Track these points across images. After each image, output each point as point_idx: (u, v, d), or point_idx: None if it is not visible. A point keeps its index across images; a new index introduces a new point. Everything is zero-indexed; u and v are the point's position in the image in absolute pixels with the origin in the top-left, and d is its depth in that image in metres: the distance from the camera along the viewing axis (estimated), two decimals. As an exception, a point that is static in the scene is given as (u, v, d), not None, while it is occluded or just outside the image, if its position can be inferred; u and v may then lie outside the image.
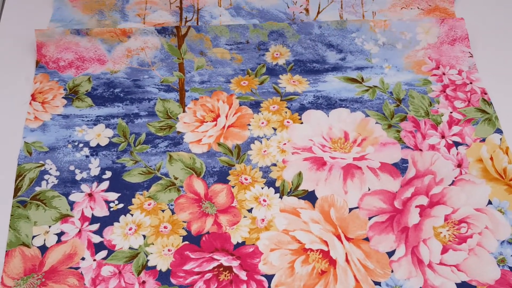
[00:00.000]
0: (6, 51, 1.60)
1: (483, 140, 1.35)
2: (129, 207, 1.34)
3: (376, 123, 1.41)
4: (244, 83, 1.54)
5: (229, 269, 1.22)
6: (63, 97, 1.51)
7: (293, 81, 1.53)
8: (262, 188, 1.38)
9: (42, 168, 1.39)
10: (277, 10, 1.74)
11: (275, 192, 1.37)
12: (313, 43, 1.62)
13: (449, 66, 1.51)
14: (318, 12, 1.74)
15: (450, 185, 1.29)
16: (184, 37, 1.63)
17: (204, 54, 1.60)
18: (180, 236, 1.29)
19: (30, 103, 1.48)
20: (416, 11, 1.73)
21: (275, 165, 1.41)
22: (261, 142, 1.45)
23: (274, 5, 1.75)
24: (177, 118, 1.46)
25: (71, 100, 1.51)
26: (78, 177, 1.38)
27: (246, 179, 1.39)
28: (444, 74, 1.48)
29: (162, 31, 1.63)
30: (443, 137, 1.39)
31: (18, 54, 1.60)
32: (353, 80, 1.52)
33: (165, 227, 1.32)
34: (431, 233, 1.22)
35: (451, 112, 1.42)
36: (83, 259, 1.25)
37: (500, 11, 1.72)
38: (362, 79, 1.51)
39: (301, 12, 1.74)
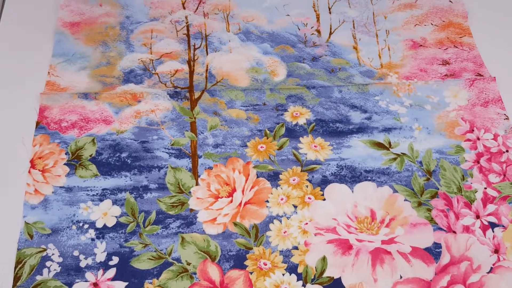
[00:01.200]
0: (5, 111, 1.49)
1: (520, 221, 1.23)
2: (137, 299, 1.17)
3: (405, 200, 1.32)
4: (261, 147, 1.42)
5: None
6: (65, 164, 1.39)
7: (315, 146, 1.41)
8: (283, 274, 1.27)
9: (44, 254, 1.27)
10: (288, 32, 1.68)
11: (298, 279, 1.26)
12: (335, 105, 1.50)
13: (484, 129, 1.42)
14: (330, 33, 1.68)
15: (488, 272, 1.21)
16: (197, 101, 1.52)
17: (218, 114, 1.48)
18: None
19: (29, 171, 1.36)
20: (430, 27, 1.67)
21: (296, 248, 1.30)
22: (280, 221, 1.33)
23: (284, 27, 1.68)
24: (190, 192, 1.37)
25: (74, 167, 1.38)
26: (82, 264, 1.27)
27: (266, 264, 1.28)
28: (478, 139, 1.40)
29: (175, 95, 1.51)
30: (477, 217, 1.30)
31: (17, 114, 1.50)
32: (380, 145, 1.40)
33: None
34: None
35: (485, 188, 1.33)
36: None
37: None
38: (390, 144, 1.41)
39: (312, 33, 1.67)
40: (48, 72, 1.49)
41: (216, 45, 1.64)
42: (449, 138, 1.42)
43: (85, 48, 1.61)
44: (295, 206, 1.34)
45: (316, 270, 1.26)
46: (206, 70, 1.52)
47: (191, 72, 1.50)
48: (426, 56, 1.55)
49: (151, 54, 1.60)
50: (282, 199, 1.36)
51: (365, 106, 1.47)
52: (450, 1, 1.70)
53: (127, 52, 1.61)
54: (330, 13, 1.65)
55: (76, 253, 1.27)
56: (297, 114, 1.48)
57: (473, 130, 1.42)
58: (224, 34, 1.66)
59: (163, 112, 1.49)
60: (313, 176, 1.38)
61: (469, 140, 1.42)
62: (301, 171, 1.39)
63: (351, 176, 1.38)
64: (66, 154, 1.39)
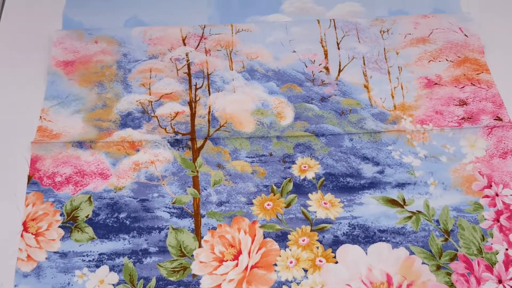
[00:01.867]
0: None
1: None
2: None
3: (423, 263, 1.24)
4: (268, 205, 1.34)
5: None
6: (59, 226, 1.30)
7: (325, 203, 1.33)
8: None
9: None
10: (295, 70, 1.58)
11: None
12: (345, 156, 1.41)
13: (503, 184, 1.34)
14: (340, 70, 1.59)
15: None
16: (199, 150, 1.43)
17: (222, 167, 1.39)
18: None
19: (21, 235, 1.28)
20: (445, 63, 1.58)
21: (307, 318, 1.15)
22: (290, 287, 1.23)
23: (290, 65, 1.59)
24: (192, 255, 1.28)
25: (70, 230, 1.30)
26: None
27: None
28: (497, 195, 1.32)
29: (175, 143, 1.43)
30: (500, 281, 1.21)
31: (7, 165, 1.42)
32: (394, 202, 1.32)
33: None
34: None
35: (507, 249, 1.25)
36: None
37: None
38: (404, 201, 1.33)
39: (320, 71, 1.58)
40: (40, 117, 1.42)
41: (218, 84, 1.55)
42: (467, 194, 1.34)
43: (80, 90, 1.52)
44: (306, 270, 1.26)
45: None
46: (209, 113, 1.44)
47: (193, 115, 1.42)
48: (442, 95, 1.48)
49: (150, 95, 1.52)
50: (291, 262, 1.27)
51: (377, 158, 1.39)
52: (465, 35, 1.61)
53: (124, 93, 1.53)
54: (338, 48, 1.56)
55: (70, 331, 1.14)
56: (305, 167, 1.39)
57: (491, 186, 1.35)
58: (227, 73, 1.58)
59: (163, 164, 1.40)
60: (323, 236, 1.30)
61: (487, 196, 1.35)
62: (311, 230, 1.31)
63: (364, 236, 1.30)
64: (61, 215, 1.31)
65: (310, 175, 1.39)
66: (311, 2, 1.73)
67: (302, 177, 1.39)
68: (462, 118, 1.45)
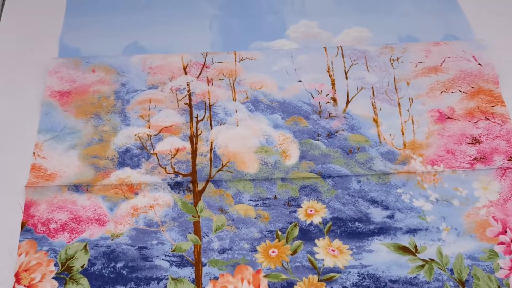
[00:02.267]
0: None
1: None
2: None
3: (437, 317, 1.13)
4: (273, 252, 1.28)
5: None
6: (53, 277, 1.24)
7: (332, 250, 1.27)
8: None
9: None
10: (301, 101, 1.52)
11: None
12: (353, 199, 1.35)
13: (518, 230, 1.23)
14: (347, 101, 1.53)
15: None
16: (201, 193, 1.36)
17: (224, 211, 1.33)
18: None
19: (13, 287, 1.20)
20: (458, 94, 1.51)
21: None
22: None
23: (296, 95, 1.53)
24: (193, 309, 1.15)
25: (64, 281, 1.24)
26: None
27: None
28: (512, 241, 1.23)
29: (176, 186, 1.36)
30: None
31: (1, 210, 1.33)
32: (405, 250, 1.27)
33: None
34: None
35: (524, 301, 1.15)
36: None
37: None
38: (416, 248, 1.28)
39: (327, 102, 1.52)
40: (34, 153, 1.37)
41: (221, 117, 1.49)
42: (481, 240, 1.29)
43: (76, 122, 1.46)
44: (313, 326, 1.13)
45: None
46: (211, 150, 1.38)
47: (194, 152, 1.36)
48: (454, 132, 1.43)
49: (149, 127, 1.46)
50: (298, 316, 1.15)
51: (386, 201, 1.33)
52: (479, 64, 1.55)
53: (122, 125, 1.47)
54: (346, 78, 1.49)
55: None
56: (311, 211, 1.33)
57: (505, 232, 1.29)
58: (230, 103, 1.51)
59: (163, 209, 1.34)
60: (332, 287, 1.21)
61: (502, 243, 1.29)
62: (318, 280, 1.25)
63: (375, 287, 1.24)
64: (55, 265, 1.25)
65: (316, 219, 1.34)
66: (317, 27, 1.69)
67: (308, 222, 1.33)
68: (475, 159, 1.39)
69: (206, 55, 1.56)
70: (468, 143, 1.41)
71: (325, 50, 1.56)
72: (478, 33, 1.63)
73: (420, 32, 1.68)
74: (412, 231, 1.30)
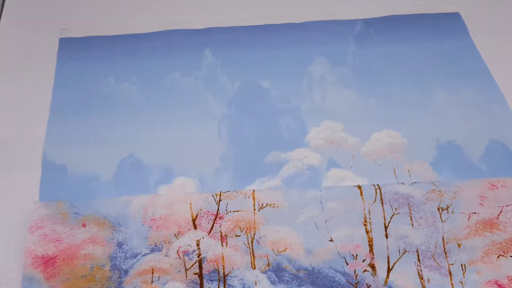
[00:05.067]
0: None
1: None
2: None
3: None
4: None
5: None
6: None
7: None
8: None
9: None
10: (332, 269, 1.26)
11: None
12: None
13: None
14: (389, 269, 1.26)
15: None
16: None
17: None
18: None
19: None
20: None
21: None
22: None
23: (327, 261, 1.27)
24: None
25: None
26: None
27: None
28: None
29: None
30: None
31: None
32: None
33: None
34: None
35: None
36: None
37: None
38: None
39: (365, 270, 1.26)
40: None
41: (238, 290, 1.19)
42: None
43: (65, 305, 1.16)
44: None
45: None
46: None
47: None
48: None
49: (152, 307, 1.16)
50: None
51: None
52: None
53: (118, 303, 1.17)
54: (387, 237, 1.26)
55: None
56: None
57: None
58: (248, 273, 1.27)
59: None
60: None
61: None
62: None
63: None
64: None
65: None
66: (341, 130, 1.48)
67: None
68: None
69: (220, 196, 1.36)
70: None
71: (360, 189, 1.37)
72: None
73: (462, 138, 1.48)
74: None
